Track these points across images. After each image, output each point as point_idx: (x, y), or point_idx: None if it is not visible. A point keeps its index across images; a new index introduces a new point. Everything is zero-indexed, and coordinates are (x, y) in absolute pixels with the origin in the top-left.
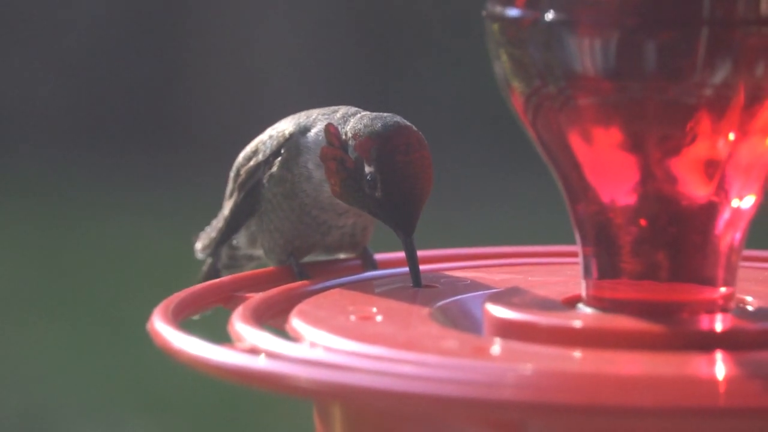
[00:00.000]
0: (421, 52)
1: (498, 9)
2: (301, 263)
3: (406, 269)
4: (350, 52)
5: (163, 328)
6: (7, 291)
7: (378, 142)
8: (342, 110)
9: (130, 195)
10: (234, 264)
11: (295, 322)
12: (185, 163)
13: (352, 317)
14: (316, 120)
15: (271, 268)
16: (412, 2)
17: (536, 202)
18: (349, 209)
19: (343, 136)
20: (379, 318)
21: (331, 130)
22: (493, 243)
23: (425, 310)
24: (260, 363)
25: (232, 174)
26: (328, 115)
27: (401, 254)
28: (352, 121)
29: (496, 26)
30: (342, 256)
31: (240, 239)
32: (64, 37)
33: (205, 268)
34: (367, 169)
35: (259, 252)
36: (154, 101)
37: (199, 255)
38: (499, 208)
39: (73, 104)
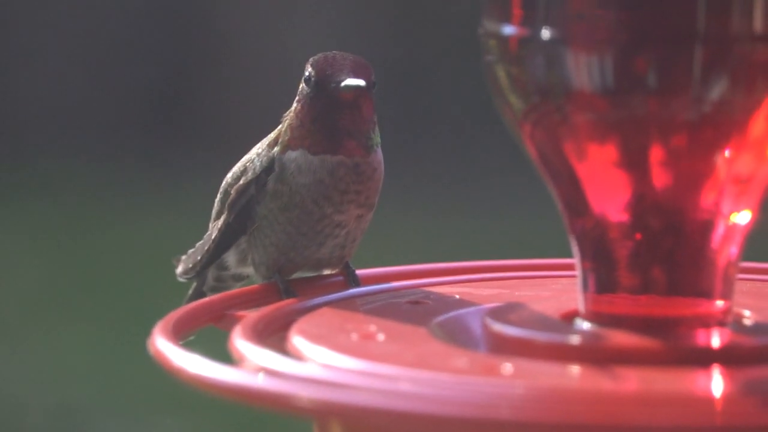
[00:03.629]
0: (451, 50)
1: (494, 27)
2: (287, 280)
3: (391, 285)
4: (376, 52)
5: (165, 347)
6: (37, 292)
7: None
8: None
9: (158, 195)
10: (220, 286)
11: (299, 342)
12: (215, 163)
13: (354, 336)
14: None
15: (256, 285)
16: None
17: (535, 210)
18: (349, 186)
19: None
20: (380, 336)
21: None
22: (488, 252)
23: (423, 327)
24: (275, 386)
25: (219, 195)
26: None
27: (382, 269)
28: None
29: (492, 43)
30: (326, 272)
31: (230, 258)
32: (90, 39)
33: (190, 291)
34: (302, 84)
35: (248, 270)
36: (181, 102)
37: (181, 279)
38: (505, 216)
39: (99, 105)
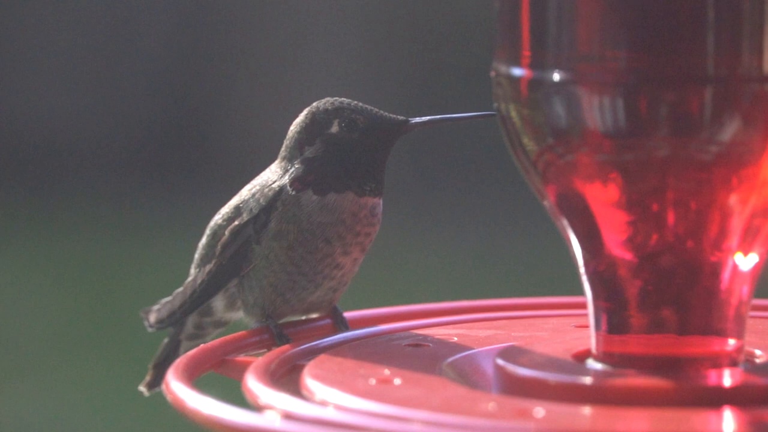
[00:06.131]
0: (462, 92)
1: (504, 69)
2: (279, 324)
3: (382, 328)
4: (389, 94)
5: (181, 390)
6: (59, 328)
7: (315, 109)
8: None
9: (179, 231)
10: (199, 333)
11: (316, 386)
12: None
13: (372, 381)
14: (290, 164)
15: (247, 331)
16: (458, 44)
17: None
18: (363, 228)
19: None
20: (397, 381)
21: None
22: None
23: (435, 370)
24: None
25: (205, 239)
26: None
27: (367, 311)
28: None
29: (503, 85)
30: (314, 315)
31: (217, 303)
32: (106, 75)
33: (166, 340)
34: (334, 128)
35: (235, 315)
36: (200, 139)
37: (153, 328)
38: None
39: (120, 142)
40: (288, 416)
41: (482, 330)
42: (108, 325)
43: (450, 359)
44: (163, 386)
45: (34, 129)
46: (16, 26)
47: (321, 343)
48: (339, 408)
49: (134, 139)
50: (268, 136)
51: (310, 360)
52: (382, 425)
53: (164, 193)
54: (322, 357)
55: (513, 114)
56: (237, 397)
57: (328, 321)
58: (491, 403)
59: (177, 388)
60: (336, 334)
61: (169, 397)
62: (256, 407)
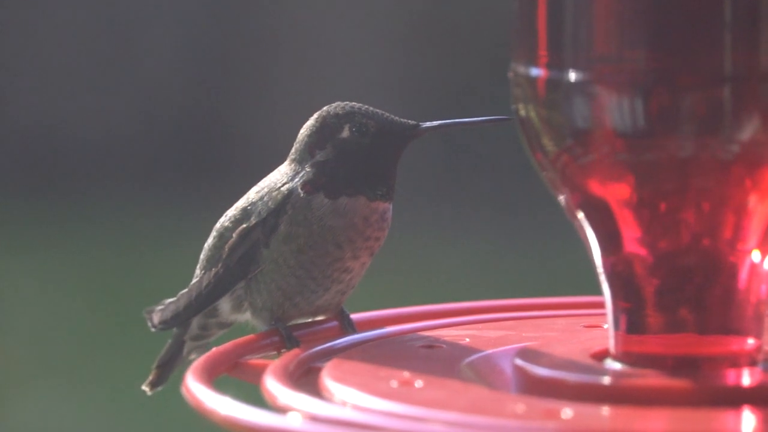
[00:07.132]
0: (478, 95)
1: (522, 69)
2: (288, 327)
3: (393, 329)
4: (417, 96)
5: (204, 393)
6: (86, 327)
7: (325, 114)
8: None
9: (202, 229)
10: (203, 335)
11: (340, 390)
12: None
13: (394, 383)
14: (300, 167)
15: (257, 334)
16: (474, 47)
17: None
18: (373, 233)
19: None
20: (418, 383)
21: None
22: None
23: (454, 371)
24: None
25: (212, 240)
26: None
27: (375, 313)
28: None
29: (521, 85)
30: (321, 318)
31: (223, 305)
32: (134, 71)
33: (170, 341)
34: (345, 133)
35: (242, 317)
36: (222, 133)
37: (156, 329)
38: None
39: (142, 135)
40: (315, 419)
41: (492, 331)
42: (130, 325)
43: (467, 360)
44: (183, 389)
45: (55, 134)
46: (30, 28)
47: (335, 345)
48: (366, 411)
49: (152, 143)
50: (283, 140)
51: (325, 362)
52: (416, 428)
53: (184, 195)
54: (338, 359)
55: (532, 114)
56: (248, 399)
57: (335, 323)
58: (518, 404)
59: (199, 391)
60: (345, 336)
61: (190, 401)
62: (276, 409)
